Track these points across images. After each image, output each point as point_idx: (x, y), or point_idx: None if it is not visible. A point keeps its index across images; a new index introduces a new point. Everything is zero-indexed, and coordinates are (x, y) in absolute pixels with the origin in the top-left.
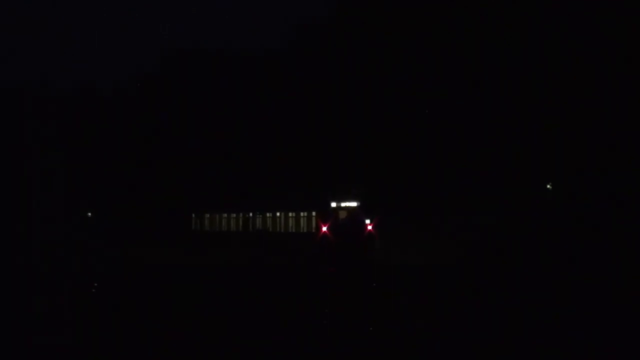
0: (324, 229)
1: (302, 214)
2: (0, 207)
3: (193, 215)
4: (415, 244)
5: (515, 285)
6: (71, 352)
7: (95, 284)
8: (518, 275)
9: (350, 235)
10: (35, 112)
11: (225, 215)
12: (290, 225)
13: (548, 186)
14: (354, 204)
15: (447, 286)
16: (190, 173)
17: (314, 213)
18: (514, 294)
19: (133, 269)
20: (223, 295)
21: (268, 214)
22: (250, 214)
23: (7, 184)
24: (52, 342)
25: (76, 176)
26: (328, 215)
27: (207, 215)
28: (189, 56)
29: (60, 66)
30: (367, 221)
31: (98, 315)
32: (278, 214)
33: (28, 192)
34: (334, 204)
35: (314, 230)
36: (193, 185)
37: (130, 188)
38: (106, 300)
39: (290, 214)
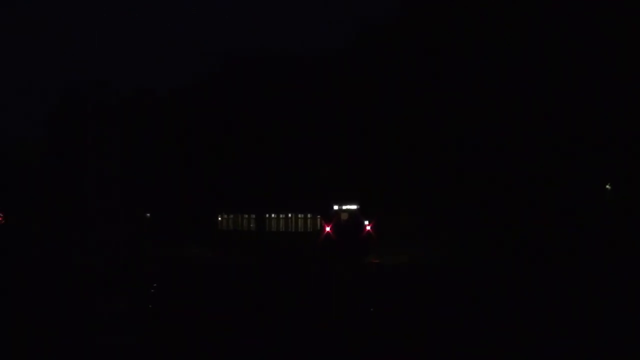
0: (327, 229)
1: (309, 215)
2: (61, 208)
3: (219, 217)
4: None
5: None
6: (135, 352)
7: (155, 284)
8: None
9: (351, 234)
10: (95, 114)
11: (247, 215)
12: (299, 225)
13: (607, 186)
14: (354, 206)
15: (439, 283)
16: (219, 176)
17: (318, 215)
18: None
19: (182, 268)
20: (250, 289)
21: (281, 215)
22: (267, 215)
23: (67, 185)
24: (115, 343)
25: (133, 177)
26: (331, 216)
27: (232, 216)
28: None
29: (118, 68)
30: (366, 222)
31: (160, 314)
32: (290, 215)
33: (88, 194)
34: (336, 207)
35: (318, 230)
36: (222, 187)
37: (174, 190)
38: (166, 300)
39: (299, 216)
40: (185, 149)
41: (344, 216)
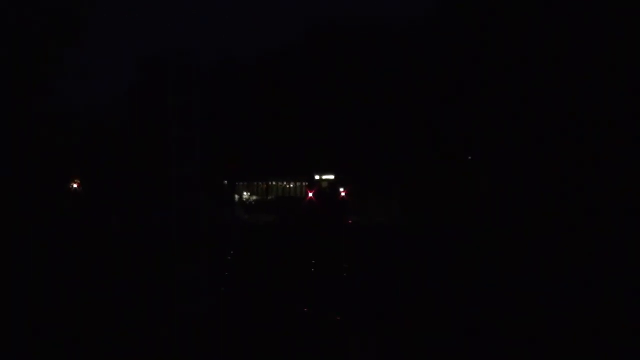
0: (310, 195)
1: (297, 183)
2: (141, 176)
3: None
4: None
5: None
6: (214, 320)
7: (232, 252)
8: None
9: (329, 200)
10: (178, 81)
11: (256, 183)
12: (290, 191)
13: None
14: (332, 176)
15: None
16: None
17: (304, 183)
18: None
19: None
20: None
21: (279, 183)
22: (270, 183)
23: (148, 152)
24: (194, 310)
25: (213, 145)
26: (313, 185)
27: (246, 183)
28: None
29: (198, 35)
30: (342, 189)
31: (237, 282)
32: (285, 183)
33: (170, 163)
34: (317, 177)
35: (303, 196)
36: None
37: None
38: (243, 268)
39: (291, 184)
40: (255, 117)
41: (324, 184)
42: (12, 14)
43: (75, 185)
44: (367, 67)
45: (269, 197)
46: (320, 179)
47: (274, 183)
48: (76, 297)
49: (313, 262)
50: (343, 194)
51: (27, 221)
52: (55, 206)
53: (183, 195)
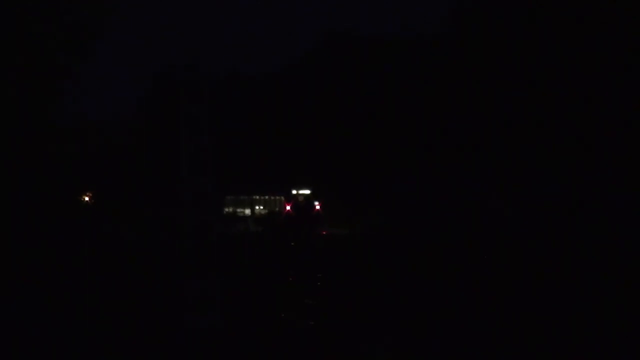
0: (288, 208)
1: (276, 197)
2: (151, 189)
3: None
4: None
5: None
6: (223, 333)
7: (245, 264)
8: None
9: (305, 212)
10: (187, 94)
11: (241, 196)
12: (269, 205)
13: None
14: (308, 191)
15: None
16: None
17: (282, 197)
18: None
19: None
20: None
21: (260, 197)
22: (254, 197)
23: (158, 166)
24: (204, 324)
25: (223, 158)
26: (290, 198)
27: (232, 197)
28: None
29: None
30: (316, 203)
31: (250, 295)
32: (266, 197)
33: (178, 175)
34: (294, 191)
35: (281, 209)
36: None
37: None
38: (256, 279)
39: (271, 197)
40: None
41: (300, 198)
42: (26, 26)
43: (87, 198)
44: (357, 80)
45: (278, 210)
46: (297, 193)
47: (258, 197)
48: (79, 310)
49: (290, 272)
50: (317, 207)
51: (35, 231)
52: (65, 218)
53: (194, 206)
